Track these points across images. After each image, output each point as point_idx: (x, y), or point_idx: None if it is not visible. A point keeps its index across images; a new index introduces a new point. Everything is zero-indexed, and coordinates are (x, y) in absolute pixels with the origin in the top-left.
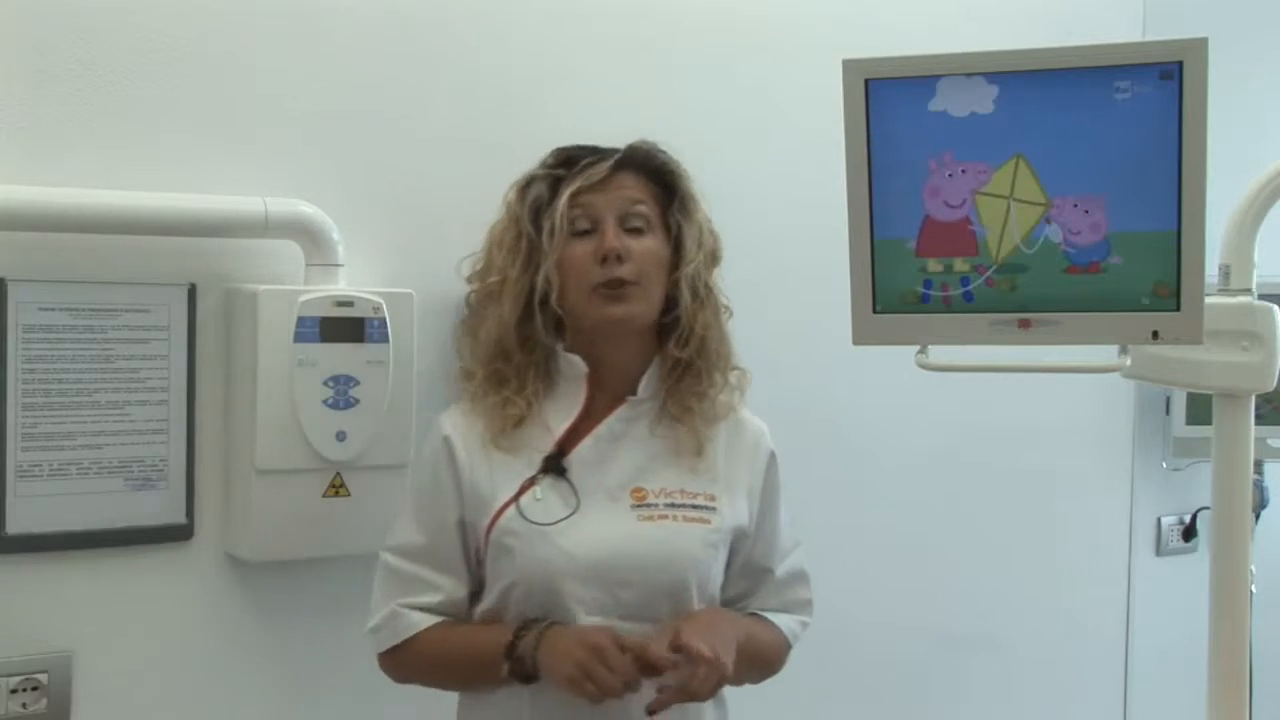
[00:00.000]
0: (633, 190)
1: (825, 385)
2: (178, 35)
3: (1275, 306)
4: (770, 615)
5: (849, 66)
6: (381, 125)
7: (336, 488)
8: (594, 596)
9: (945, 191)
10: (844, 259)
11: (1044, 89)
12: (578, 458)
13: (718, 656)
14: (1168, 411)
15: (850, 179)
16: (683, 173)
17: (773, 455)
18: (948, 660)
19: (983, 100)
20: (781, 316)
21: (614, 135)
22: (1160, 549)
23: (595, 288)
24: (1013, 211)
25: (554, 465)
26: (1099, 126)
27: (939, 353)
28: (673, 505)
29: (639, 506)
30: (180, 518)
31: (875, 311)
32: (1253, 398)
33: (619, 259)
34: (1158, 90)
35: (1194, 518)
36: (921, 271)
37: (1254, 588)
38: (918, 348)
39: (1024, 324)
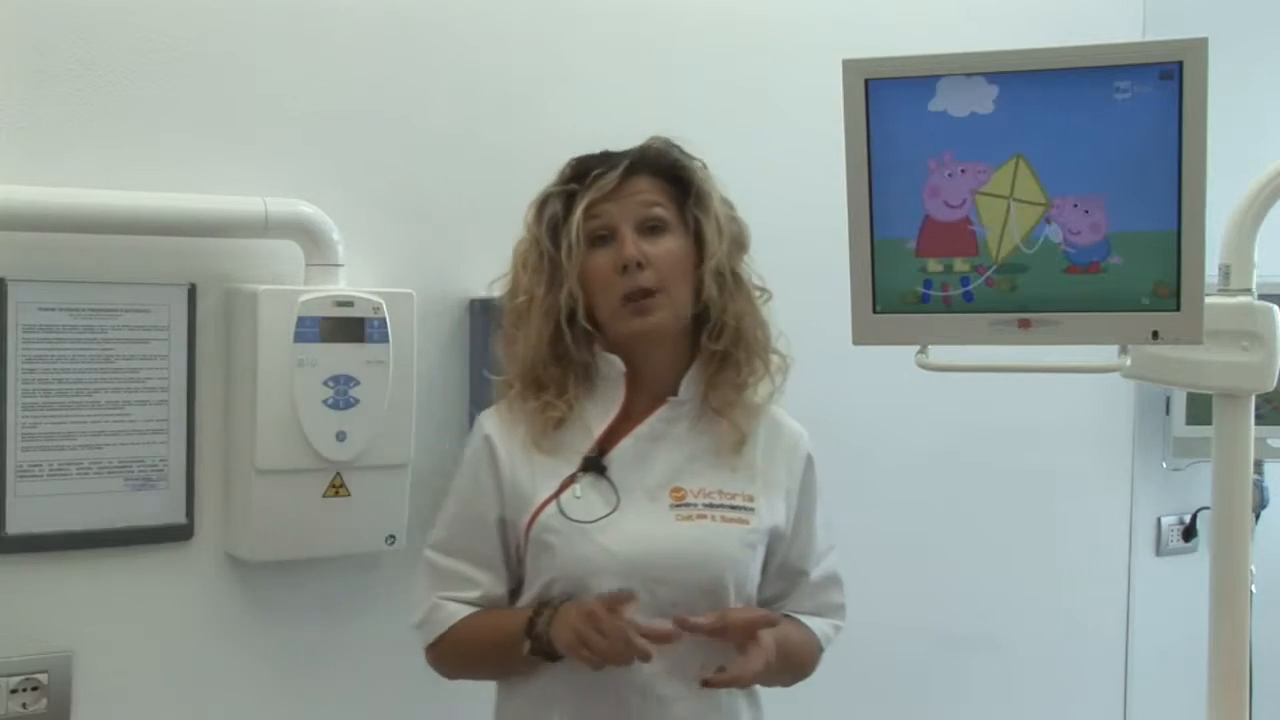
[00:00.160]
0: (646, 194)
1: (825, 385)
2: (178, 35)
3: (1275, 306)
4: (804, 618)
5: (849, 66)
6: (381, 125)
7: (336, 488)
8: None
9: (945, 191)
10: (844, 259)
11: (1044, 89)
12: (618, 457)
13: (774, 620)
14: (1168, 411)
15: (850, 179)
16: (695, 168)
17: (810, 459)
18: (948, 660)
19: (983, 100)
20: (781, 316)
21: (613, 135)
22: (1160, 549)
23: (620, 300)
24: (1013, 211)
25: (594, 464)
26: (1099, 126)
27: (939, 353)
28: (711, 505)
29: (678, 506)
30: (180, 518)
31: (875, 311)
32: (1253, 398)
33: (639, 266)
34: (1158, 90)
35: (1194, 518)
36: (921, 271)
37: (1254, 588)
38: (918, 348)
39: (1024, 324)
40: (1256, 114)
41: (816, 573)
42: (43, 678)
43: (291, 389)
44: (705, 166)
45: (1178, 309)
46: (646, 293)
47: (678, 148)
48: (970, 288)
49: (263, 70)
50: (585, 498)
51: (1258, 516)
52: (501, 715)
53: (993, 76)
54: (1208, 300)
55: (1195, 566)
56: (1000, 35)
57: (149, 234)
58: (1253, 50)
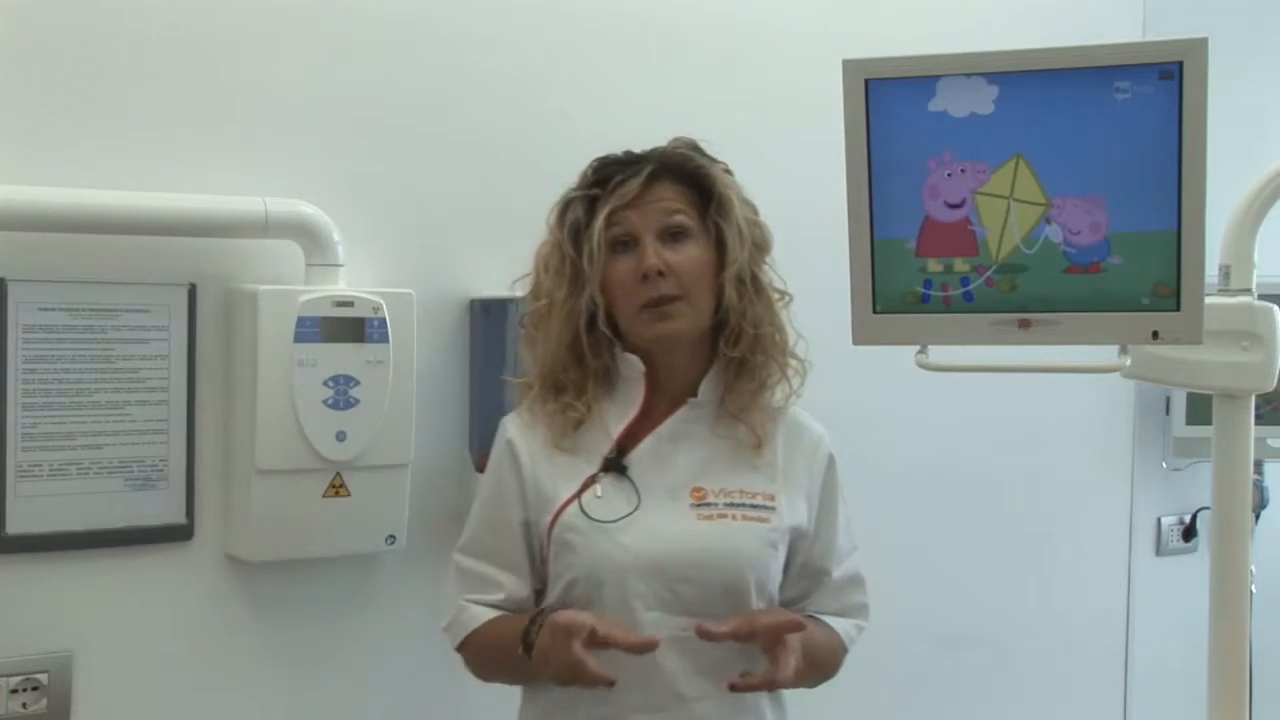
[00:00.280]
0: (668, 201)
1: (824, 386)
2: (178, 36)
3: (1275, 306)
4: (827, 618)
5: (849, 66)
6: (382, 126)
7: (336, 488)
8: (654, 592)
9: (945, 191)
10: (844, 259)
11: (1044, 89)
12: (638, 457)
13: (801, 624)
14: (1168, 411)
15: (850, 179)
16: (717, 174)
17: (831, 459)
18: (948, 660)
19: (983, 100)
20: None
21: (613, 135)
22: (1160, 549)
23: (640, 307)
24: (1013, 211)
25: (615, 464)
26: (1099, 126)
27: (939, 353)
28: (732, 504)
29: (699, 505)
30: (180, 518)
31: (875, 311)
32: (1253, 398)
33: (660, 275)
34: (1158, 90)
35: (1194, 518)
36: (921, 272)
37: (1254, 588)
38: (918, 348)
39: (1024, 324)
40: (1256, 114)
41: (839, 572)
42: (43, 678)
43: (291, 389)
44: (729, 170)
45: (1178, 309)
46: (668, 299)
47: (701, 151)
48: (970, 288)
49: (263, 71)
50: (607, 497)
51: (1258, 516)
52: (527, 714)
53: (993, 76)
54: (1208, 300)
55: (1195, 566)
56: (1000, 35)
57: (149, 234)
58: (1253, 50)
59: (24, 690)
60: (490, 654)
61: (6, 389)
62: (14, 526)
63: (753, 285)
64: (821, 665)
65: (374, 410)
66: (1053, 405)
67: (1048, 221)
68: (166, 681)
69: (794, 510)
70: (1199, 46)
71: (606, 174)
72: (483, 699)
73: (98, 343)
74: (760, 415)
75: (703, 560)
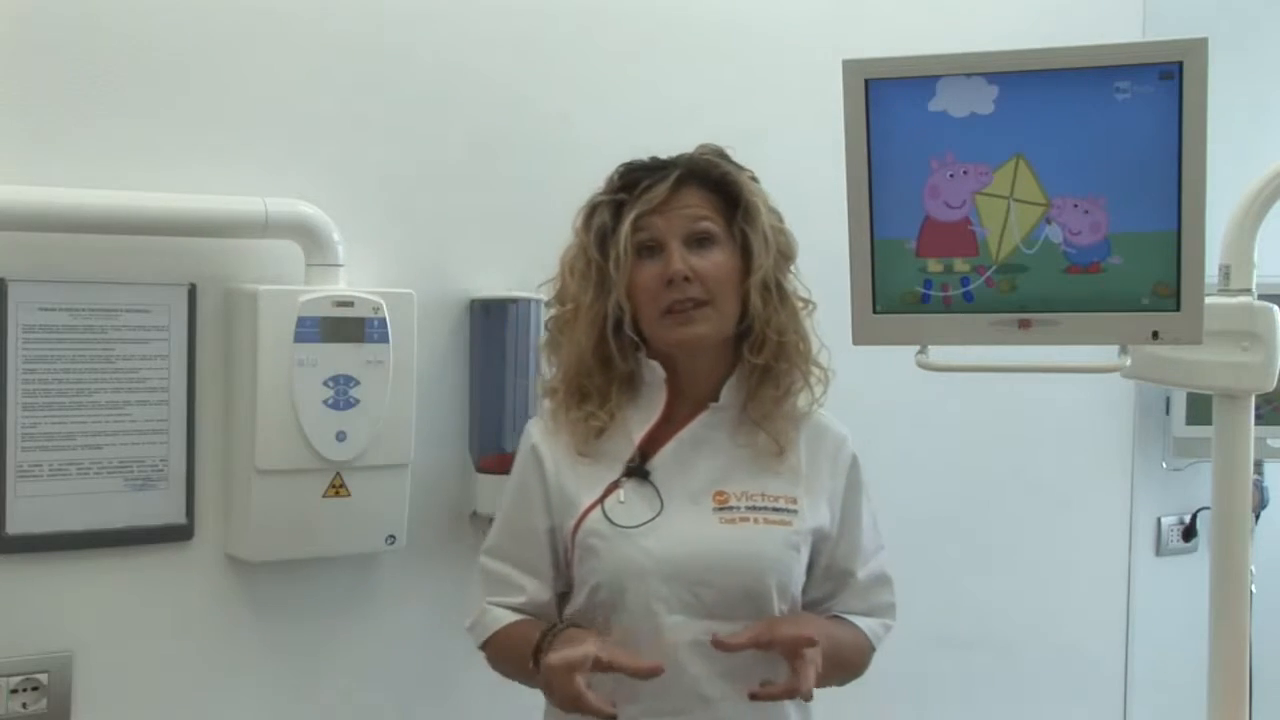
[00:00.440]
0: (695, 208)
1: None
2: (178, 36)
3: (1275, 306)
4: (853, 618)
5: (849, 67)
6: (381, 126)
7: (336, 488)
8: (677, 596)
9: (945, 192)
10: (844, 259)
11: (1044, 89)
12: (661, 462)
13: (814, 641)
14: (1168, 411)
15: (850, 179)
16: (743, 181)
17: (855, 460)
18: (948, 660)
19: (983, 100)
20: None
21: (612, 135)
22: (1160, 549)
23: (664, 312)
24: (1013, 212)
25: (637, 469)
26: (1099, 126)
27: (939, 353)
28: (754, 508)
29: (721, 509)
30: (180, 518)
31: (875, 311)
32: (1253, 398)
33: (686, 280)
34: (1158, 90)
35: (1194, 518)
36: (921, 271)
37: (1254, 588)
38: (918, 348)
39: (1024, 324)
40: (1256, 114)
41: (864, 573)
42: (43, 678)
43: (291, 389)
44: (755, 178)
45: (1178, 309)
46: (693, 303)
47: (727, 158)
48: (970, 288)
49: (263, 71)
50: (629, 502)
51: (1258, 516)
52: (550, 713)
53: (993, 76)
54: (1208, 300)
55: (1195, 566)
56: (1000, 35)
57: (149, 234)
58: (1253, 50)
59: (24, 690)
60: (507, 658)
61: (6, 389)
62: (14, 526)
63: (777, 292)
64: (847, 665)
65: (374, 410)
66: (1053, 405)
67: (1048, 221)
68: (166, 681)
69: (816, 513)
70: (1199, 46)
71: (633, 179)
72: (483, 699)
73: (98, 343)
74: (782, 422)
75: (724, 564)
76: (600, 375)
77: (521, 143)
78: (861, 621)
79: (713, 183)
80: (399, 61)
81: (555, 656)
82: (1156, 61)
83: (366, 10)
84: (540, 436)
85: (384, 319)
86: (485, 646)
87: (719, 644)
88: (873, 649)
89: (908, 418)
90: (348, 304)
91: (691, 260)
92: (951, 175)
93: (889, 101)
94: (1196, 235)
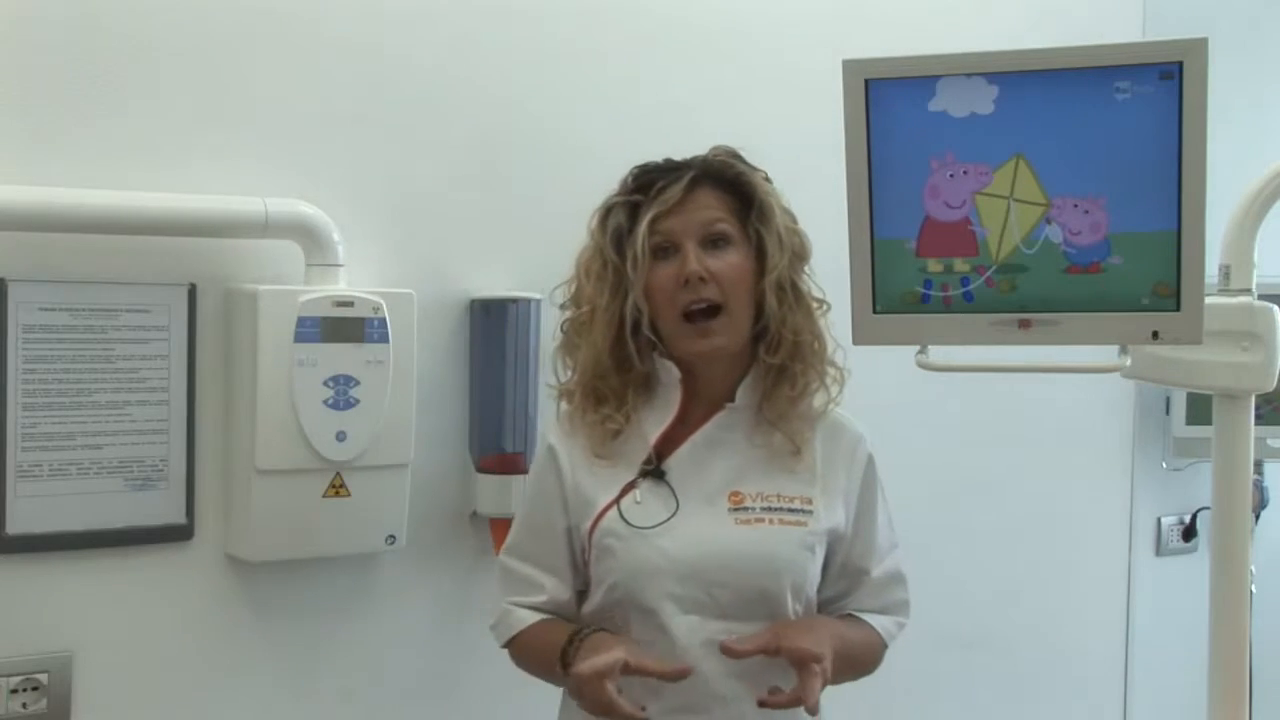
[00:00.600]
0: (710, 210)
1: None
2: (178, 36)
3: (1275, 306)
4: (867, 616)
5: (849, 67)
6: (381, 126)
7: (336, 488)
8: (692, 596)
9: (945, 192)
10: (844, 259)
11: (1044, 89)
12: (676, 462)
13: (821, 659)
14: (1168, 411)
15: (850, 179)
16: (757, 182)
17: (870, 459)
18: (948, 660)
19: (983, 100)
20: None
21: (612, 135)
22: (1160, 549)
23: (681, 314)
24: (1013, 212)
25: (653, 470)
26: (1099, 126)
27: (939, 353)
28: (769, 509)
29: (736, 510)
30: (180, 518)
31: (875, 311)
32: (1253, 398)
33: (702, 280)
34: (1158, 90)
35: (1194, 518)
36: (921, 271)
37: (1254, 588)
38: (918, 348)
39: (1024, 324)
40: (1257, 114)
41: (878, 571)
42: (43, 678)
43: (291, 389)
44: (769, 178)
45: (1178, 309)
46: (709, 312)
47: (741, 159)
48: (970, 288)
49: (263, 71)
50: (645, 503)
51: (1258, 516)
52: (566, 710)
53: (993, 76)
54: (1208, 300)
55: (1195, 566)
56: (1000, 35)
57: (149, 234)
58: (1253, 50)
59: (24, 690)
60: (532, 658)
61: (6, 389)
62: (14, 526)
63: (792, 293)
64: (859, 664)
65: (374, 410)
66: (1053, 405)
67: (1048, 221)
68: (166, 681)
69: (831, 513)
70: (1199, 46)
71: (648, 180)
72: (483, 699)
73: (98, 343)
74: (798, 422)
75: (739, 565)
76: (616, 377)
77: (522, 142)
78: (875, 620)
79: (727, 183)
80: (399, 61)
81: (586, 665)
82: (1156, 61)
83: (367, 10)
84: (557, 438)
85: (384, 319)
86: (509, 645)
87: (727, 650)
88: (885, 647)
89: (908, 418)
90: (348, 304)
91: (707, 261)
92: (951, 175)
93: (889, 101)
94: (1196, 235)
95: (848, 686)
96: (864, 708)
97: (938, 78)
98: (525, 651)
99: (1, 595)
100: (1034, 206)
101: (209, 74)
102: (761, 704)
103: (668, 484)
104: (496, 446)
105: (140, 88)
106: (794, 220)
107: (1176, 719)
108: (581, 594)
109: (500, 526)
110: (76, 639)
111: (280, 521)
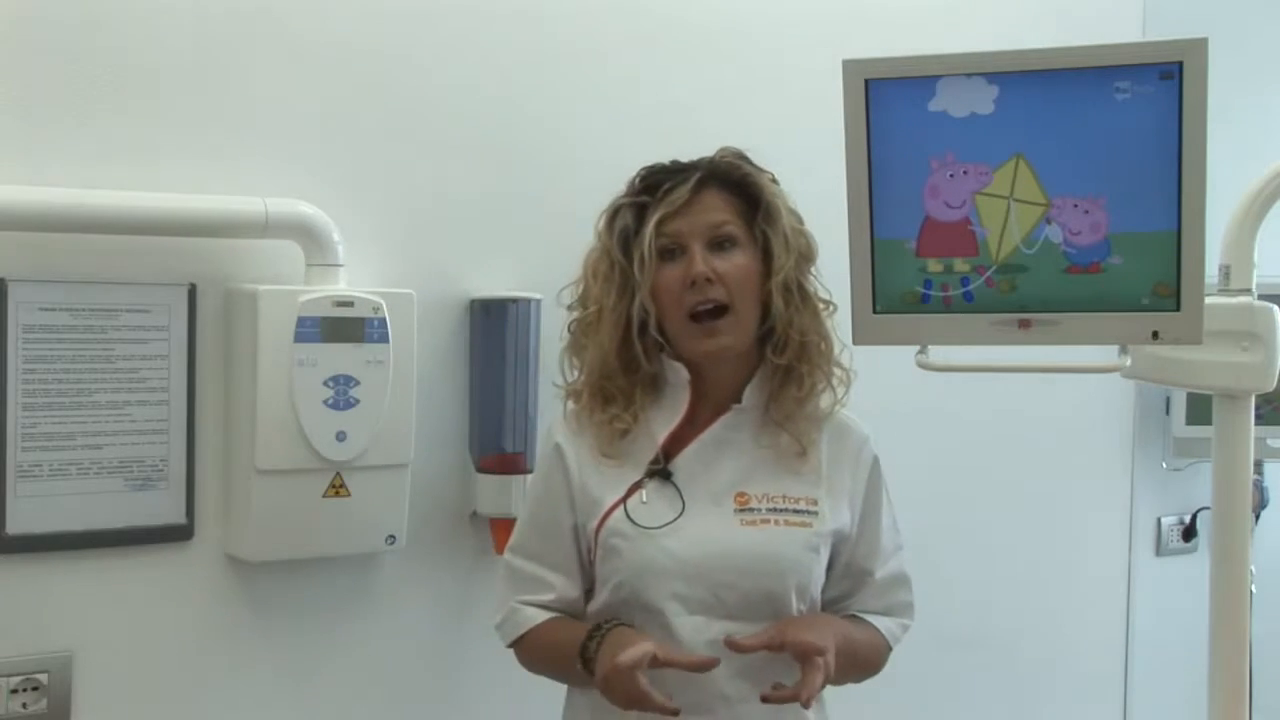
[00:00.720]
0: (716, 212)
1: None
2: (178, 36)
3: (1275, 306)
4: (870, 617)
5: (849, 67)
6: (381, 126)
7: (336, 488)
8: (697, 597)
9: (945, 192)
10: (844, 259)
11: (1044, 89)
12: (683, 463)
13: (824, 652)
14: (1168, 411)
15: (850, 179)
16: (764, 183)
17: (875, 460)
18: (948, 660)
19: (983, 100)
20: None
21: (611, 135)
22: (1160, 549)
23: (688, 315)
24: (1013, 212)
25: (660, 470)
26: (1099, 126)
27: (939, 353)
28: (775, 510)
29: (742, 510)
30: (180, 518)
31: (875, 311)
32: (1253, 398)
33: (708, 281)
34: (1158, 90)
35: (1194, 518)
36: (921, 272)
37: (1254, 588)
38: (918, 348)
39: (1024, 324)
40: (1257, 114)
41: (882, 572)
42: (43, 678)
43: (291, 389)
44: (775, 179)
45: (1178, 309)
46: (715, 312)
47: (748, 160)
48: (970, 288)
49: (263, 70)
50: (651, 503)
51: (1258, 516)
52: (572, 708)
53: (993, 76)
54: (1208, 300)
55: (1195, 566)
56: (1000, 35)
57: (149, 234)
58: (1254, 50)
59: (24, 690)
60: (545, 657)
61: (6, 389)
62: (14, 526)
63: (799, 293)
64: (863, 665)
65: (374, 410)
66: (1053, 405)
67: (1048, 221)
68: (166, 681)
69: (837, 514)
70: (1199, 46)
71: (655, 181)
72: (483, 699)
73: (98, 343)
74: (804, 423)
75: (745, 565)
76: (624, 377)
77: (522, 142)
78: (879, 621)
79: (734, 185)
80: (399, 62)
81: (621, 658)
82: (1156, 61)
83: (367, 10)
84: (564, 436)
85: (384, 319)
86: (516, 644)
87: (732, 645)
88: (889, 648)
89: (908, 418)
90: (348, 304)
91: (713, 262)
92: (951, 175)
93: (889, 101)
94: (1196, 235)
95: (849, 685)
96: (865, 707)
97: (938, 78)
98: (535, 650)
99: (1, 595)
100: (1034, 206)
101: (209, 74)
102: (764, 699)
103: (674, 484)
104: (496, 446)
105: (140, 88)
106: (800, 221)
107: (1176, 719)
108: (587, 593)
109: (500, 526)
110: (76, 639)
111: (280, 521)
